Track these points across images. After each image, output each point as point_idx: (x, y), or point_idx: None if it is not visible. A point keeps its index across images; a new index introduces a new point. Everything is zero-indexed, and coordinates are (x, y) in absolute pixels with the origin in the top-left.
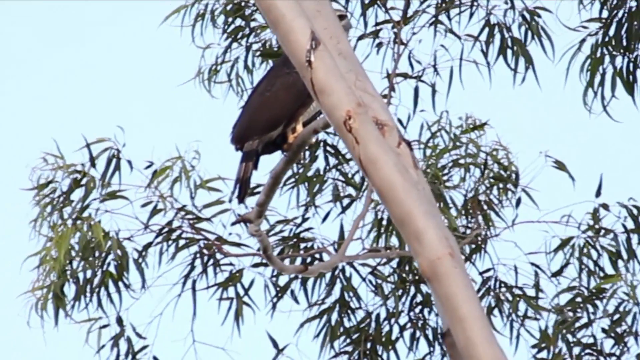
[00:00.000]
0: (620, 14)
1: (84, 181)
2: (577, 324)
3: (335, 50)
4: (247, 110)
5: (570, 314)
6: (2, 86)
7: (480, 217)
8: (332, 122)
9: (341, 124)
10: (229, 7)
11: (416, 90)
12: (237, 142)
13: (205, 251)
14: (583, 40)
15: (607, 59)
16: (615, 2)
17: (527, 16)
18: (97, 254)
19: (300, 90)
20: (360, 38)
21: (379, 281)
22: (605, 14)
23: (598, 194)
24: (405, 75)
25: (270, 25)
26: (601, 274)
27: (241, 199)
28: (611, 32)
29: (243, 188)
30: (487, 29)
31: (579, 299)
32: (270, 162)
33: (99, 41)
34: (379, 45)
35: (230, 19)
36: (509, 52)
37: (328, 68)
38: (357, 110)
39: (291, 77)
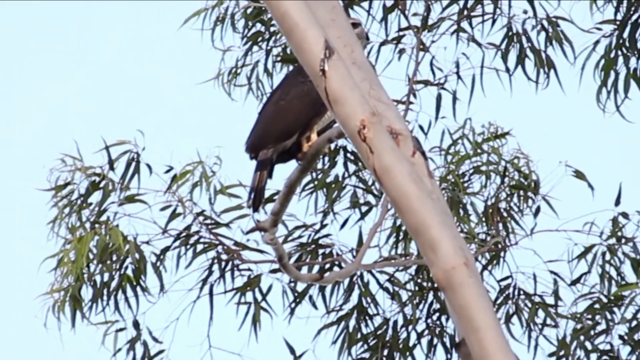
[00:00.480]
0: (634, 17)
1: (102, 184)
2: (595, 331)
3: (349, 59)
4: (261, 119)
5: (589, 321)
6: (23, 86)
7: (499, 225)
8: (346, 131)
9: (355, 133)
10: (249, 11)
11: (438, 97)
12: (251, 151)
13: (223, 256)
14: (597, 42)
15: (620, 60)
16: (629, 4)
17: (547, 25)
18: (114, 257)
19: (314, 100)
20: (382, 44)
21: (397, 288)
22: (619, 16)
23: (617, 202)
24: (426, 82)
25: (285, 34)
26: (622, 282)
27: (256, 208)
28: (625, 34)
29: (258, 197)
30: (507, 38)
31: (596, 306)
32: (284, 170)
33: (120, 44)
34: (401, 51)
35: (250, 23)
36: (529, 61)
37: (342, 77)
38: (371, 120)
39: (305, 86)
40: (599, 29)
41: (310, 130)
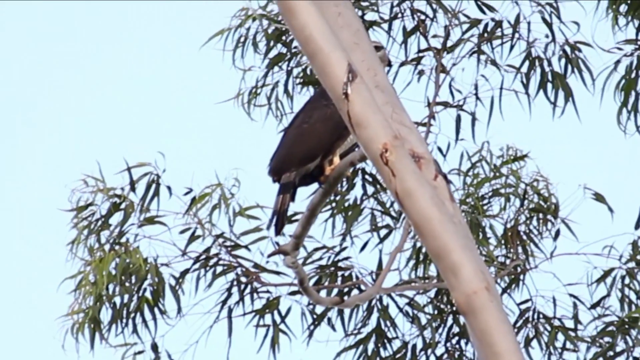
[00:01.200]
0: None
1: (122, 205)
2: (614, 352)
3: (372, 83)
4: (284, 142)
5: (607, 344)
6: (46, 105)
7: (519, 248)
8: (368, 154)
9: (378, 156)
10: (270, 30)
11: (458, 119)
12: (274, 174)
13: (242, 279)
14: (618, 62)
15: None
16: None
17: (568, 50)
18: (133, 279)
19: (337, 123)
20: (401, 64)
21: (416, 311)
22: None
23: (637, 226)
24: (445, 104)
25: (308, 57)
26: None
27: (278, 231)
28: None
29: (280, 220)
30: (527, 61)
31: (611, 328)
32: (307, 193)
33: (141, 64)
34: (420, 73)
35: (271, 42)
36: (549, 85)
37: (365, 100)
38: (393, 143)
39: (328, 109)
40: (620, 48)
41: (333, 154)
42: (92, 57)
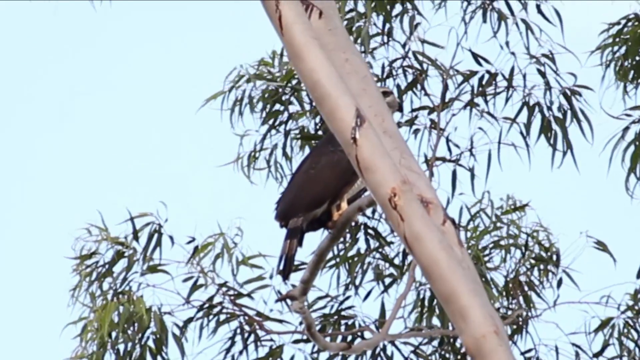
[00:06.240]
0: None
1: (126, 253)
2: None
3: (380, 128)
4: (292, 187)
5: None
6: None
7: (521, 298)
8: (377, 199)
9: (386, 201)
10: (266, 95)
11: (454, 173)
12: (281, 219)
13: (246, 327)
14: (627, 128)
15: None
16: None
17: (567, 94)
18: (136, 327)
19: (345, 169)
20: (398, 125)
21: None
22: None
23: (639, 275)
24: (443, 159)
25: (316, 103)
26: None
27: (286, 276)
28: None
29: (288, 265)
30: (525, 110)
31: None
32: (314, 239)
33: (144, 118)
34: (416, 131)
35: (268, 105)
36: (550, 132)
37: (373, 145)
38: (402, 188)
39: (336, 155)
40: (629, 115)
41: (341, 199)
42: (97, 109)
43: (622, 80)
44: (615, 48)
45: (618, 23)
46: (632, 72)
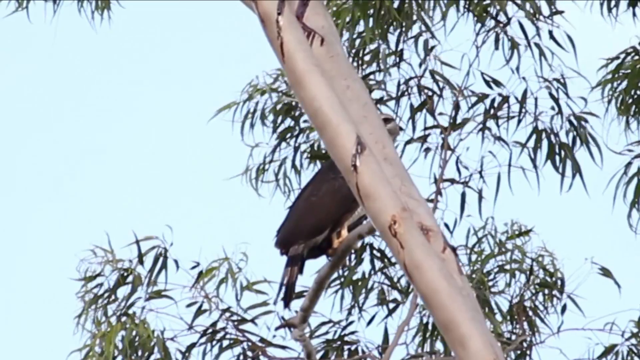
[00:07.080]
0: None
1: (130, 278)
2: None
3: (380, 156)
4: (292, 215)
5: None
6: (58, 177)
7: (525, 323)
8: (377, 226)
9: (386, 228)
10: (278, 107)
11: (463, 196)
12: (282, 246)
13: (249, 353)
14: (629, 164)
15: None
16: None
17: (575, 122)
18: (139, 352)
19: (345, 196)
20: (408, 142)
21: None
22: None
23: None
24: (452, 181)
25: (317, 130)
26: None
27: (286, 304)
28: None
29: (288, 292)
30: (534, 135)
31: None
32: (315, 266)
33: (149, 137)
34: (427, 150)
35: (280, 118)
36: (557, 157)
37: (373, 173)
38: (402, 215)
39: (337, 182)
40: (631, 150)
41: (341, 226)
42: (101, 129)
43: (624, 114)
44: (616, 83)
45: (617, 57)
46: (633, 106)
